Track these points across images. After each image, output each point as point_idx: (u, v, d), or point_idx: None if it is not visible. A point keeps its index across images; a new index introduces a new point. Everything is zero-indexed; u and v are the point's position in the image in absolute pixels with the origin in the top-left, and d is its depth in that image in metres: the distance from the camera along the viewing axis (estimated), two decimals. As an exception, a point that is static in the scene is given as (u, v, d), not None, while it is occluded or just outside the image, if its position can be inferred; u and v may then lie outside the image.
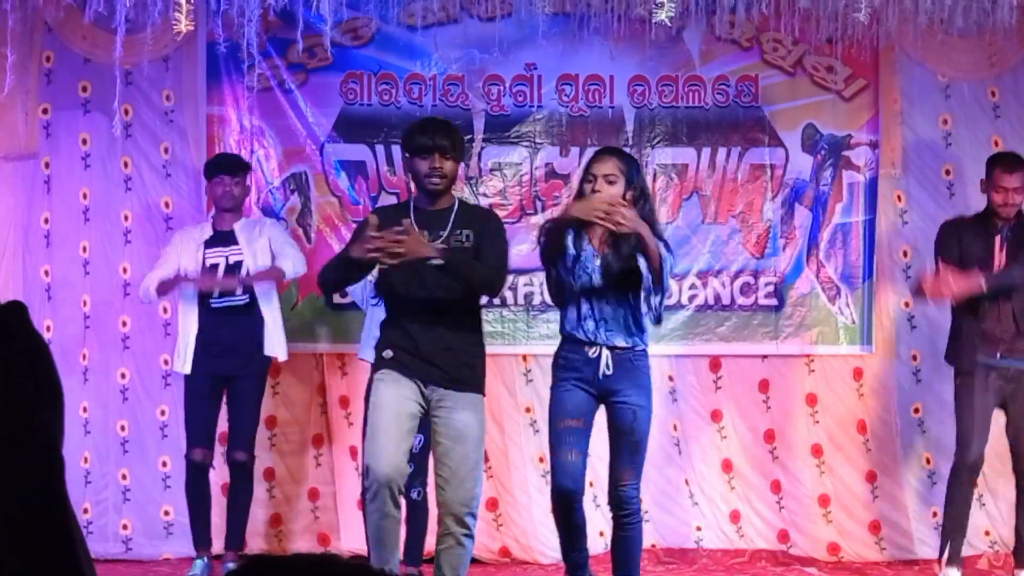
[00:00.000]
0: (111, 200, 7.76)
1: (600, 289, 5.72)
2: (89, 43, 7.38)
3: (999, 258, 6.88)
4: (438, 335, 5.55)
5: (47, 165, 7.74)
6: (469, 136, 7.75)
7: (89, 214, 7.76)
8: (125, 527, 7.72)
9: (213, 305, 6.98)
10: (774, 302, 7.86)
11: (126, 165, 7.75)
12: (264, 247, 7.06)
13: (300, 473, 7.81)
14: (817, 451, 7.90)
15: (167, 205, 7.76)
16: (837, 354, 7.91)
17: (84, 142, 7.75)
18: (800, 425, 7.92)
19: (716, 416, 7.91)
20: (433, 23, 7.67)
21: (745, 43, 7.81)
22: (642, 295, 5.68)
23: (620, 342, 5.71)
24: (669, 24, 5.23)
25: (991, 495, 7.71)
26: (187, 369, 7.01)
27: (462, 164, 7.70)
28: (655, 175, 7.83)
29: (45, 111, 7.71)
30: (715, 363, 7.91)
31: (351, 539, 7.53)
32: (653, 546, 7.69)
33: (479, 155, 7.80)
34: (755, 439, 7.91)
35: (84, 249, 7.76)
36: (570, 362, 5.78)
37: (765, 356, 7.91)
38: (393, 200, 7.61)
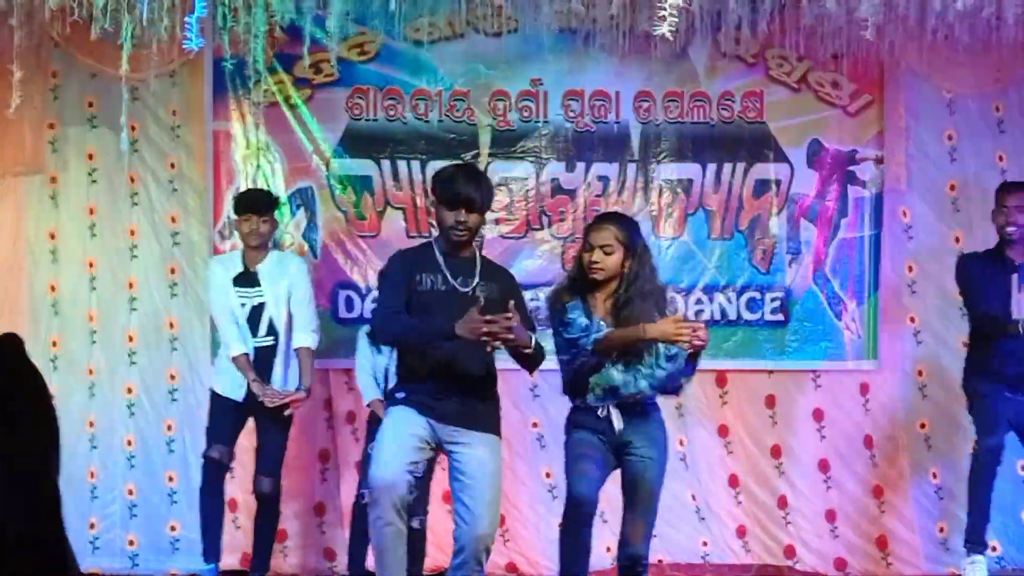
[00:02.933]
0: (117, 215, 7.77)
1: (610, 362, 5.68)
2: (96, 59, 7.41)
3: (1017, 297, 6.78)
4: (458, 376, 5.54)
5: (54, 180, 7.76)
6: (475, 151, 7.78)
7: (95, 229, 7.77)
8: (131, 542, 7.72)
9: (255, 345, 6.92)
10: (780, 317, 7.87)
11: (132, 180, 7.77)
12: (284, 290, 6.97)
13: (306, 488, 7.81)
14: (824, 466, 7.89)
15: (173, 220, 7.77)
16: (843, 369, 7.91)
17: (90, 157, 7.77)
18: (807, 440, 7.92)
19: (723, 431, 7.91)
20: (439, 39, 7.69)
21: (750, 59, 7.82)
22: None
23: (625, 392, 5.68)
24: (671, 38, 5.20)
25: (998, 511, 7.69)
26: (240, 397, 6.93)
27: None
28: (660, 191, 7.85)
29: (52, 127, 7.74)
30: (721, 378, 7.92)
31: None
32: (660, 561, 7.69)
33: (485, 170, 7.80)
34: (762, 454, 7.91)
35: (91, 264, 7.77)
36: (584, 423, 5.76)
37: (771, 371, 7.92)
38: (399, 215, 7.67)
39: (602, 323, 5.70)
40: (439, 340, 5.45)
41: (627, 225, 5.85)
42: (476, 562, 5.59)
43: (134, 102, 7.43)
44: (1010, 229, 6.83)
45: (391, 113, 7.77)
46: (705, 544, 7.85)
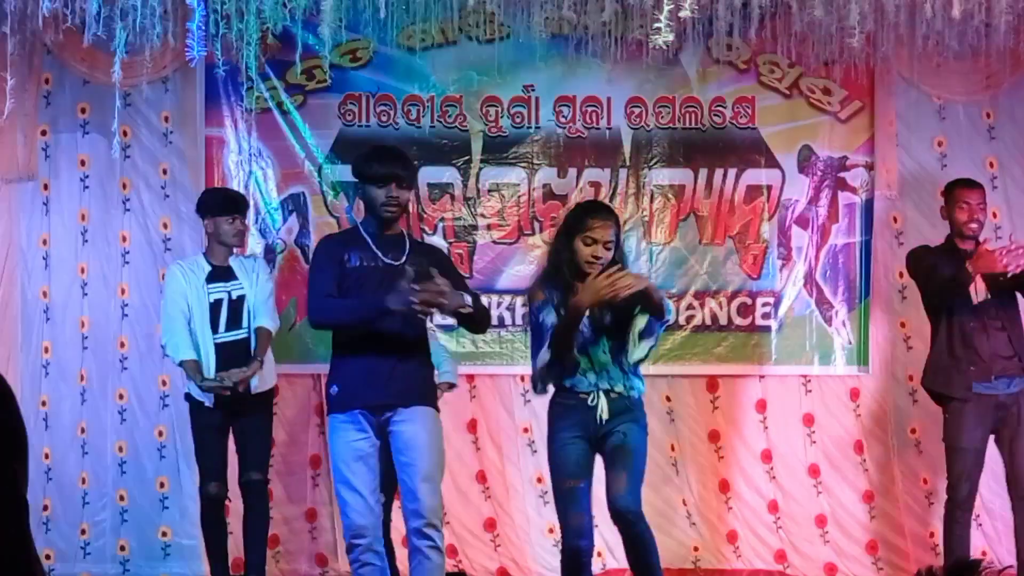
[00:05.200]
0: (110, 221, 7.78)
1: (593, 341, 5.64)
2: (88, 65, 7.40)
3: (976, 285, 6.74)
4: (391, 357, 5.53)
5: (46, 187, 7.76)
6: (467, 157, 7.79)
7: (88, 235, 7.78)
8: (123, 548, 7.72)
9: (216, 340, 6.89)
10: (771, 322, 7.89)
11: (124, 187, 7.77)
12: (260, 287, 6.97)
13: (297, 494, 7.82)
14: (814, 471, 7.91)
15: (165, 226, 7.78)
16: (834, 374, 7.93)
17: (83, 164, 7.77)
18: (797, 445, 7.94)
19: (713, 436, 7.93)
20: (431, 45, 7.71)
21: (742, 65, 7.84)
22: (635, 335, 5.67)
23: (618, 388, 5.64)
24: (667, 48, 5.22)
25: (987, 515, 7.73)
26: (209, 399, 6.86)
27: (462, 183, 7.79)
28: (652, 196, 7.86)
29: (44, 133, 7.74)
30: (712, 383, 7.94)
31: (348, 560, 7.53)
32: (651, 566, 7.70)
33: (477, 176, 7.83)
34: (752, 459, 7.93)
35: (82, 270, 7.77)
36: (568, 410, 5.67)
37: (762, 376, 7.93)
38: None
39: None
40: (373, 317, 5.43)
41: (617, 220, 5.81)
42: (423, 539, 5.51)
43: (126, 108, 7.45)
44: (973, 225, 6.79)
45: (383, 119, 7.78)
46: (696, 549, 7.87)
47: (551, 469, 5.76)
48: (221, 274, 6.94)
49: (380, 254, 5.62)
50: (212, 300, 6.90)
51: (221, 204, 6.99)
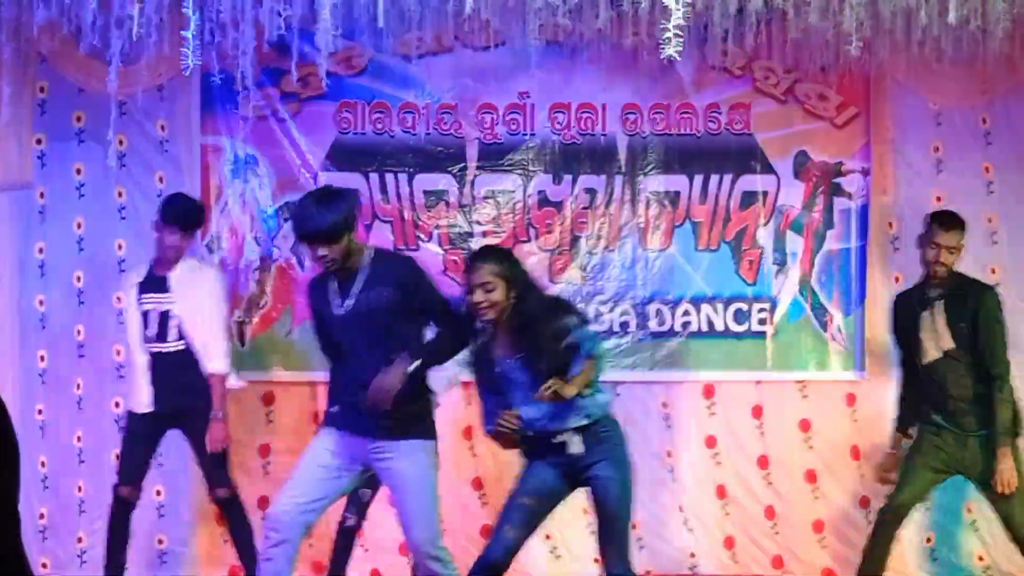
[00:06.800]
0: (105, 230, 7.77)
1: (532, 387, 5.45)
2: (83, 73, 7.39)
3: (930, 334, 6.74)
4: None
5: (41, 195, 7.75)
6: (463, 164, 7.79)
7: (83, 244, 7.77)
8: (119, 556, 7.71)
9: (151, 349, 6.86)
10: (767, 328, 7.88)
11: (120, 195, 7.76)
12: (200, 299, 6.86)
13: (294, 502, 7.80)
14: (811, 477, 7.91)
15: (161, 235, 7.77)
16: (830, 380, 7.93)
17: (78, 172, 7.76)
18: (794, 451, 7.93)
19: (710, 442, 7.92)
20: (427, 53, 7.71)
21: (737, 71, 7.85)
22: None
23: (575, 423, 5.54)
24: (677, 58, 5.21)
25: (984, 520, 7.71)
26: (147, 407, 6.84)
27: (458, 190, 7.78)
28: (648, 202, 7.87)
29: (39, 141, 7.73)
30: (708, 389, 7.93)
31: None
32: (648, 573, 7.69)
33: (472, 183, 7.83)
34: (749, 465, 7.92)
35: (78, 279, 7.76)
36: (538, 450, 5.62)
37: (758, 382, 7.93)
38: (386, 228, 7.71)
39: (512, 361, 5.57)
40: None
41: (501, 258, 5.70)
42: (431, 560, 5.54)
43: (122, 116, 7.41)
44: (939, 268, 6.69)
45: (379, 127, 7.78)
46: (693, 555, 7.87)
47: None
48: (155, 284, 6.90)
49: (333, 299, 5.57)
50: (143, 311, 6.89)
51: (164, 213, 6.91)
